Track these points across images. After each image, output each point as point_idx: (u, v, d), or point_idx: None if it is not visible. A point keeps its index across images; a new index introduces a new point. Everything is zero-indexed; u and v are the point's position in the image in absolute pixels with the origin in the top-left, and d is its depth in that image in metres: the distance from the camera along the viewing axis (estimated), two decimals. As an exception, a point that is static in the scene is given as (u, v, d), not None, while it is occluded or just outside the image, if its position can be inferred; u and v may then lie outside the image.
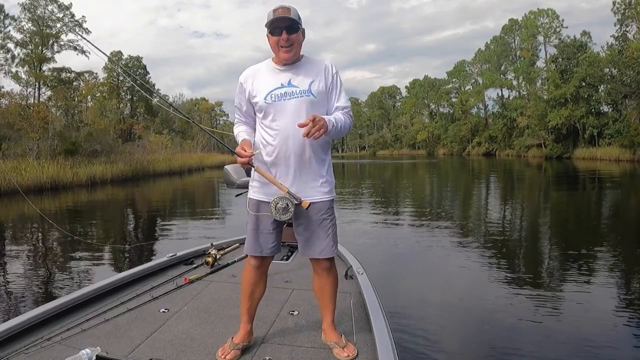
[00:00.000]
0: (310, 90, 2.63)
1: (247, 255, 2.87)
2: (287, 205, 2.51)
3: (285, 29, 2.55)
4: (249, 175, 2.66)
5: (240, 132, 2.79)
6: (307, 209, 2.55)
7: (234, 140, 2.83)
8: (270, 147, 2.66)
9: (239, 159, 2.53)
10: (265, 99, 2.63)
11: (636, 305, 5.51)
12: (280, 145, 2.63)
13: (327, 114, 2.71)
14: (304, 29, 2.67)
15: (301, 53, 2.72)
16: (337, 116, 2.67)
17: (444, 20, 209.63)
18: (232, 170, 5.07)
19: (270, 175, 2.62)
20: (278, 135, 2.63)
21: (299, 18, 2.60)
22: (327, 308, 2.87)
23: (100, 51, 3.07)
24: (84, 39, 3.20)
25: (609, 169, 33.16)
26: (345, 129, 2.69)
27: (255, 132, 2.80)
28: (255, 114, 2.78)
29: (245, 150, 2.53)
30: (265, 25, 2.59)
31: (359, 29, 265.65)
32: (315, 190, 2.69)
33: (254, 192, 2.76)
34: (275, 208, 2.53)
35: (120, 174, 28.51)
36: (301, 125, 2.43)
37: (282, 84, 2.64)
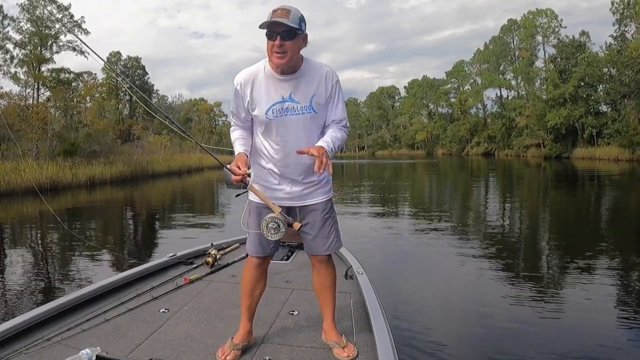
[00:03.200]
0: (312, 106, 2.55)
1: (247, 255, 2.89)
2: (279, 225, 2.49)
3: (279, 34, 2.39)
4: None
5: (236, 139, 2.70)
6: (298, 230, 2.55)
7: (231, 144, 2.79)
8: (273, 159, 2.66)
9: (233, 176, 2.46)
10: (266, 113, 2.55)
11: (636, 305, 5.52)
12: (283, 159, 2.63)
13: (324, 125, 2.69)
14: (306, 34, 2.50)
15: (301, 54, 2.58)
16: (333, 135, 2.60)
17: (443, 20, 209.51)
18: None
19: (264, 195, 2.61)
20: (281, 150, 2.62)
21: (300, 21, 2.41)
22: (327, 306, 2.87)
23: (97, 55, 3.02)
24: (82, 42, 3.10)
25: (608, 168, 33.21)
26: (341, 146, 2.66)
27: (252, 137, 2.76)
28: (252, 120, 2.72)
29: (240, 168, 2.46)
30: (260, 27, 2.41)
31: (359, 29, 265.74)
32: (317, 192, 2.72)
33: (254, 196, 2.74)
34: (266, 227, 2.51)
35: (119, 174, 28.51)
36: (300, 152, 2.43)
37: (283, 98, 2.54)
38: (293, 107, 2.54)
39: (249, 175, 2.52)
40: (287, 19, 2.35)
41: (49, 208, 10.97)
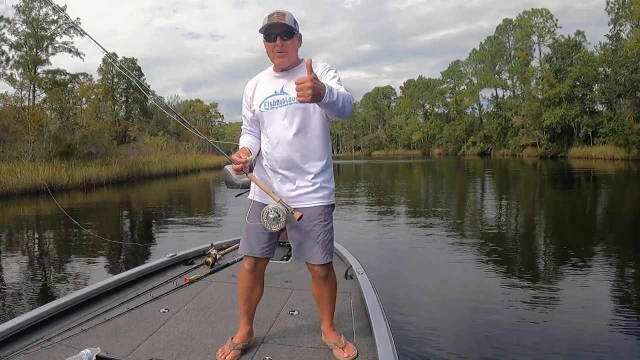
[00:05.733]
0: None
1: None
2: (278, 215, 2.49)
3: (279, 35, 2.53)
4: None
5: (242, 142, 2.79)
6: (298, 219, 2.51)
7: (228, 143, 2.83)
8: (267, 154, 2.70)
9: (233, 165, 2.53)
10: (260, 107, 2.67)
11: (632, 303, 5.55)
12: (272, 153, 2.66)
13: (320, 118, 2.65)
14: (300, 34, 2.64)
15: (299, 56, 2.69)
16: (334, 87, 2.36)
17: (439, 20, 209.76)
18: (232, 169, 5.05)
19: (263, 185, 2.63)
20: (270, 143, 2.67)
21: (295, 23, 2.57)
22: (326, 312, 2.88)
23: (100, 46, 3.05)
24: (86, 34, 3.12)
25: (604, 167, 33.29)
26: (346, 105, 2.37)
27: (259, 142, 2.82)
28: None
29: (240, 157, 2.52)
30: (260, 31, 2.57)
31: (355, 29, 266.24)
32: (308, 196, 2.68)
33: (254, 195, 2.77)
34: (266, 218, 2.51)
35: (115, 176, 28.42)
36: (298, 82, 2.16)
37: (275, 91, 2.64)
38: (282, 99, 2.62)
39: (250, 168, 2.60)
40: (284, 21, 2.51)
41: (57, 205, 10.74)
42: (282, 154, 2.63)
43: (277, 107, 2.62)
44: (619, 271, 6.92)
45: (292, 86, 2.51)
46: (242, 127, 2.90)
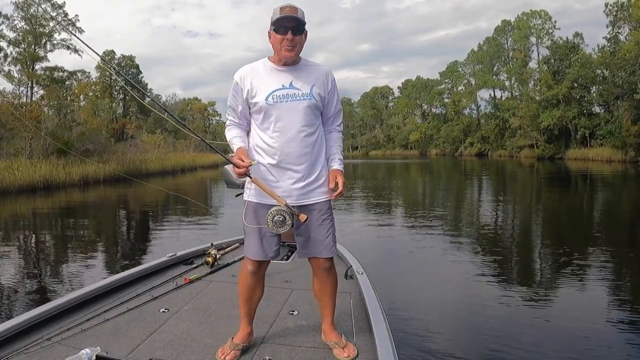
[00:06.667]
0: (312, 94, 2.61)
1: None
2: (285, 218, 2.47)
3: (291, 29, 2.51)
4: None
5: (233, 137, 2.71)
6: (304, 222, 2.50)
7: (226, 143, 2.79)
8: (272, 150, 2.62)
9: (236, 169, 2.47)
10: (266, 99, 2.59)
11: (629, 304, 5.56)
12: (282, 148, 2.60)
13: (322, 119, 2.77)
14: (307, 31, 2.62)
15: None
16: (339, 146, 2.84)
17: (438, 20, 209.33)
18: (232, 170, 5.04)
19: (268, 188, 2.57)
20: (280, 137, 2.60)
21: (304, 19, 2.56)
22: (327, 308, 2.86)
23: (92, 50, 3.01)
24: (77, 37, 3.10)
25: (600, 169, 33.38)
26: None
27: (248, 136, 2.76)
28: (250, 115, 2.73)
29: (243, 160, 2.46)
30: (271, 22, 2.54)
31: (354, 29, 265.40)
32: (316, 191, 2.69)
33: (252, 195, 2.72)
34: (272, 221, 2.49)
35: (112, 173, 28.32)
36: (338, 195, 2.65)
37: (283, 85, 2.60)
38: (294, 94, 2.60)
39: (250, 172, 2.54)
40: (297, 15, 2.50)
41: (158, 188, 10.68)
42: (295, 149, 2.60)
43: (287, 101, 2.59)
44: (616, 271, 6.97)
45: (302, 82, 2.62)
46: (228, 119, 2.82)
